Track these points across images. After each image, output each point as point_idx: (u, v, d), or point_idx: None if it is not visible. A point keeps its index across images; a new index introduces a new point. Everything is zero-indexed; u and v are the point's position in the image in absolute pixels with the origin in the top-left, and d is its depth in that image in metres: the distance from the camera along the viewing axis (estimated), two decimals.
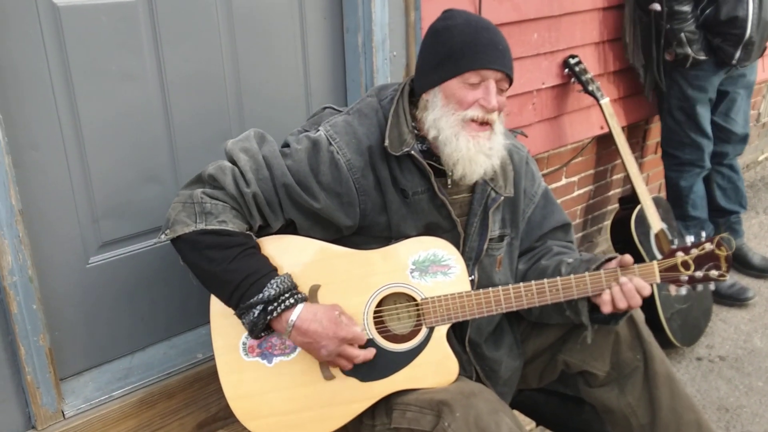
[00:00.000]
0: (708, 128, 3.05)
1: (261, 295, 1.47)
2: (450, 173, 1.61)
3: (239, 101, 1.99)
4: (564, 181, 3.15)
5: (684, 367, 2.69)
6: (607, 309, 1.58)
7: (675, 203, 3.13)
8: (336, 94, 2.23)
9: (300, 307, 1.50)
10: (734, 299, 3.09)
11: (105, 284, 1.85)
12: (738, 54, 2.82)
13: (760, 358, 2.72)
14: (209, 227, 1.48)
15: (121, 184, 1.82)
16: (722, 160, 3.23)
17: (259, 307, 1.47)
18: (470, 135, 1.55)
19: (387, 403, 1.61)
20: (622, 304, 1.57)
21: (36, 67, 1.62)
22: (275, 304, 1.48)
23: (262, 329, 1.50)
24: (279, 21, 2.01)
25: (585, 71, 2.75)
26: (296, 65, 2.09)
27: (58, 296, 1.77)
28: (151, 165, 1.86)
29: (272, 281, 1.48)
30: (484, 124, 1.57)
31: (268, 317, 1.48)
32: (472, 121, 1.55)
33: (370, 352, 1.56)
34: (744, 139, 3.20)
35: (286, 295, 1.49)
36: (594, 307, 1.66)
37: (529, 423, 2.16)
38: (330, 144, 1.59)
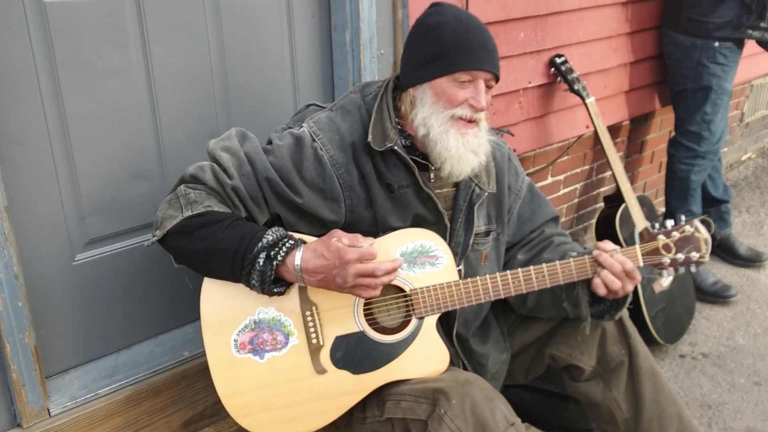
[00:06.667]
0: (727, 118, 2.93)
1: (261, 243, 1.47)
2: (436, 168, 1.62)
3: (226, 97, 1.98)
4: (550, 179, 3.16)
5: (667, 365, 2.72)
6: (602, 291, 1.60)
7: (678, 196, 3.03)
8: (323, 92, 2.23)
9: (300, 249, 1.49)
10: (717, 297, 3.12)
11: (91, 282, 1.84)
12: None
13: (743, 356, 2.76)
14: (196, 212, 1.51)
15: (107, 180, 1.81)
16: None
17: (263, 255, 1.47)
18: (459, 132, 1.56)
19: (379, 395, 1.62)
20: (615, 283, 1.58)
21: (21, 62, 1.60)
22: (276, 248, 1.47)
23: (272, 281, 1.49)
24: (267, 18, 2.01)
25: (571, 70, 2.77)
26: (284, 62, 2.09)
27: (44, 294, 1.76)
28: (138, 161, 1.85)
29: (268, 232, 1.49)
30: (472, 121, 1.58)
31: (274, 263, 1.47)
32: (461, 118, 1.57)
33: (394, 263, 1.50)
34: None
35: (285, 240, 1.49)
36: (594, 301, 1.68)
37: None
38: (313, 140, 1.59)
